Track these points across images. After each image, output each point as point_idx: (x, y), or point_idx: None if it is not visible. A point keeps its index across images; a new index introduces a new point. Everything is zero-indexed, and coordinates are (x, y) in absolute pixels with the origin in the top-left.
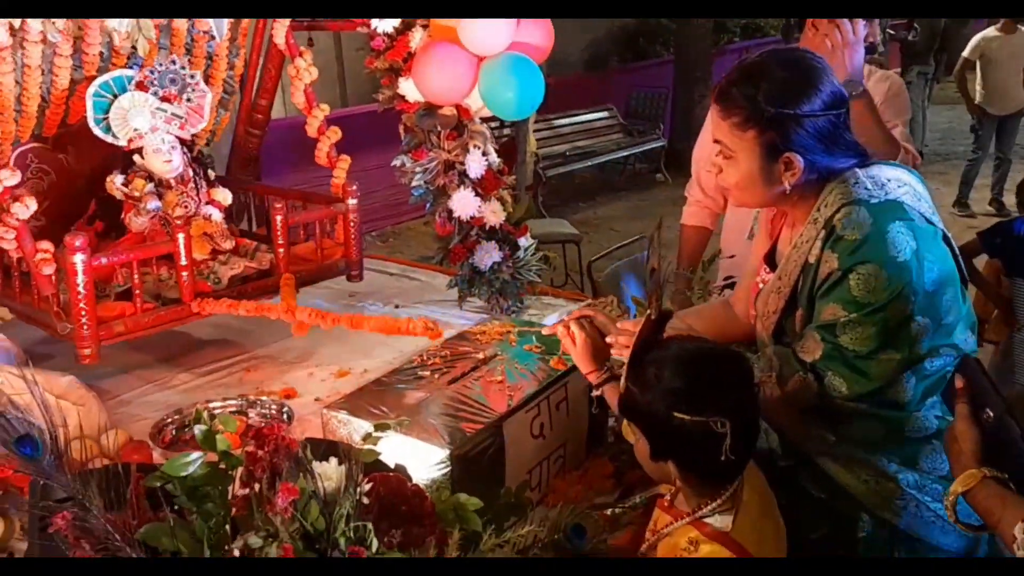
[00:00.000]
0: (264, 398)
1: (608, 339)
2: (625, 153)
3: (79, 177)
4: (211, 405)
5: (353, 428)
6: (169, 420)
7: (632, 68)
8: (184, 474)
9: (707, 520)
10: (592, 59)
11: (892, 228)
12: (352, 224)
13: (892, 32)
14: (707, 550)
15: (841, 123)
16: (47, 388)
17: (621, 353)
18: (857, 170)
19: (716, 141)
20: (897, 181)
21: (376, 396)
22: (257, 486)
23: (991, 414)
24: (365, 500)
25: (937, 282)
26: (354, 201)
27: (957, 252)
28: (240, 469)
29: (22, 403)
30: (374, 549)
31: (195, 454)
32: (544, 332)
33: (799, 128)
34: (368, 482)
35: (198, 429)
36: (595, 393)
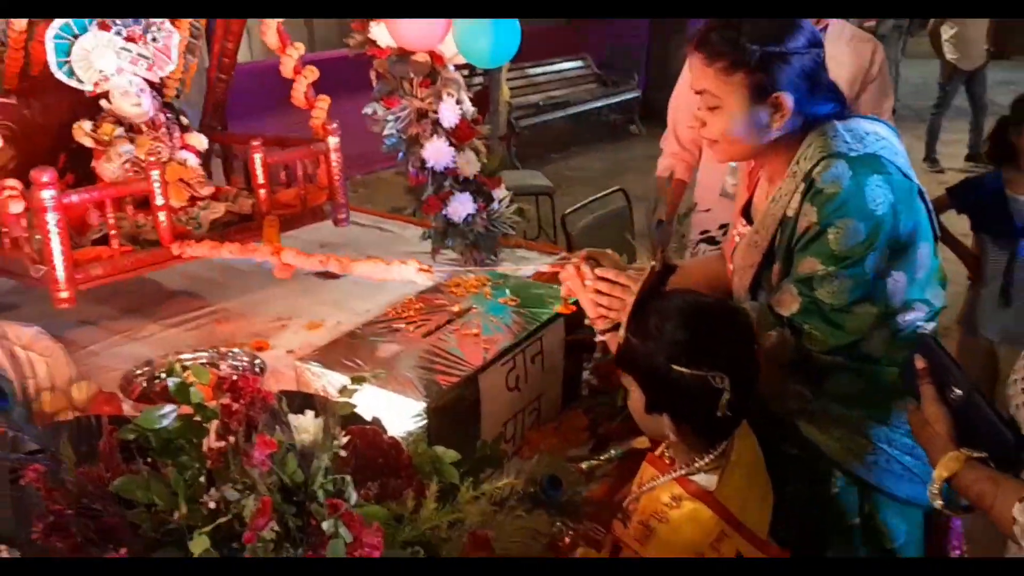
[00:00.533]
0: (236, 350)
1: (589, 284)
2: (600, 104)
3: (45, 131)
4: (182, 357)
5: (327, 380)
6: (139, 372)
7: (607, 19)
8: (159, 427)
9: (693, 478)
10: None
11: (870, 182)
12: (335, 164)
13: None
14: (689, 507)
15: (821, 63)
16: (12, 339)
17: (604, 303)
18: (836, 122)
19: (699, 92)
20: (875, 135)
21: (350, 348)
22: (232, 439)
23: (958, 392)
24: (343, 453)
25: (912, 236)
26: (336, 139)
27: (931, 208)
28: (215, 422)
29: None
30: (352, 501)
31: (169, 406)
32: (546, 269)
33: (785, 66)
34: (345, 435)
35: (171, 381)
36: (599, 339)
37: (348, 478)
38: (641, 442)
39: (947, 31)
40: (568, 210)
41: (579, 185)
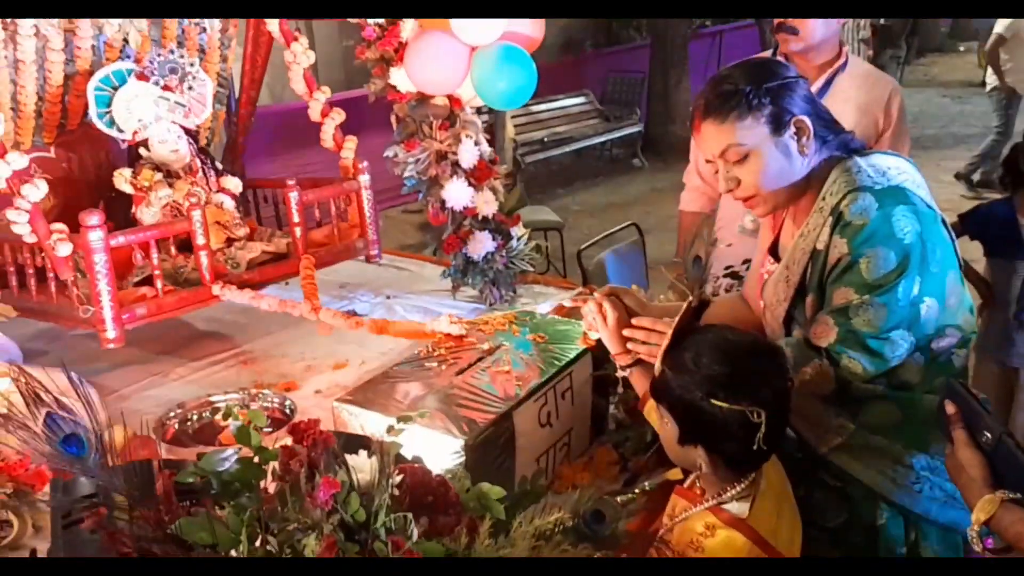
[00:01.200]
0: (265, 391)
1: (625, 332)
2: (602, 139)
3: (84, 182)
4: (212, 399)
5: (364, 420)
6: (172, 414)
7: (607, 52)
8: (220, 469)
9: (725, 507)
10: (566, 44)
11: (897, 212)
12: (367, 201)
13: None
14: (723, 535)
15: (813, 97)
16: (47, 384)
17: (642, 350)
18: (858, 159)
19: (722, 154)
20: (897, 168)
21: (385, 388)
22: (292, 479)
23: (989, 436)
24: (396, 492)
25: (940, 263)
26: (367, 178)
27: (953, 236)
28: (272, 463)
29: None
30: (414, 539)
31: (230, 449)
32: (569, 304)
33: (790, 92)
34: (398, 474)
35: (232, 424)
36: (621, 374)
37: (410, 516)
38: (674, 474)
39: (1005, 54)
40: (584, 245)
41: (585, 219)
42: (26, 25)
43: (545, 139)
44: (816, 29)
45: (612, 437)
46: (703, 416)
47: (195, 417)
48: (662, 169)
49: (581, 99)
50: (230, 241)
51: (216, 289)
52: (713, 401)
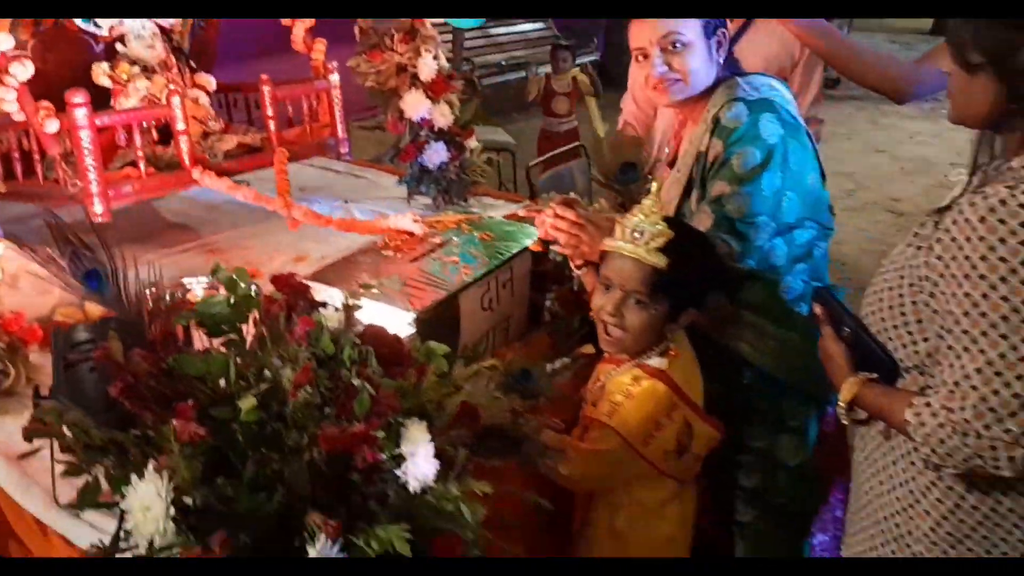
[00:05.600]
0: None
1: (547, 220)
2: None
3: (61, 80)
4: (185, 281)
5: (325, 296)
6: (147, 291)
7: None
8: (213, 312)
9: (648, 362)
10: None
11: (763, 118)
12: (336, 100)
13: None
14: (647, 384)
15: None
16: (33, 258)
17: (562, 239)
18: (738, 78)
19: (662, 38)
20: (768, 86)
21: (347, 270)
22: (272, 321)
23: (847, 330)
24: (358, 340)
25: (800, 164)
26: (336, 77)
27: (815, 145)
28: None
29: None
30: (374, 366)
31: (221, 295)
32: (522, 214)
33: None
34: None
35: (223, 275)
36: (576, 273)
37: (371, 349)
38: (587, 349)
39: None
40: (532, 162)
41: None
42: None
43: (503, 62)
44: None
45: (546, 327)
46: (701, 283)
47: (168, 296)
48: (616, 98)
49: (540, 24)
50: (206, 135)
51: (196, 173)
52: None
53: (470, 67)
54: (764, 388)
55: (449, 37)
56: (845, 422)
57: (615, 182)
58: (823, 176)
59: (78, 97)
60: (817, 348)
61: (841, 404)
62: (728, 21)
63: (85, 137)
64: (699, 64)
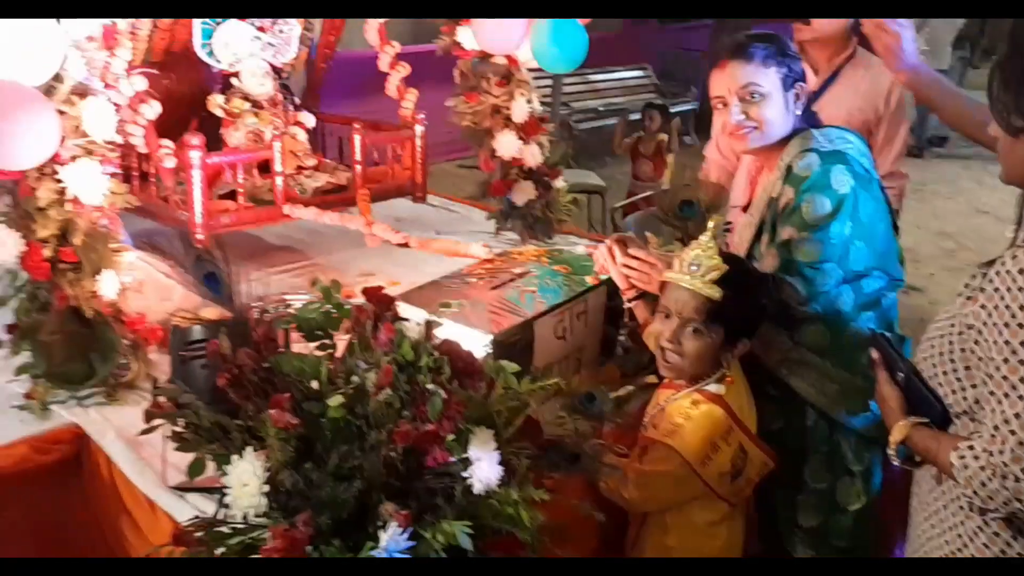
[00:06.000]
0: None
1: (622, 260)
2: None
3: (181, 98)
4: (286, 298)
5: (413, 315)
6: (252, 305)
7: (670, 28)
8: (310, 318)
9: (706, 388)
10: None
11: (835, 169)
12: (419, 149)
13: None
14: (705, 408)
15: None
16: (157, 266)
17: (635, 276)
18: (813, 130)
19: (741, 89)
20: (843, 139)
21: (431, 293)
22: (360, 329)
23: (901, 375)
24: (435, 353)
25: (871, 215)
26: (422, 128)
27: (887, 198)
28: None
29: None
30: (447, 373)
31: (316, 303)
32: (571, 251)
33: (797, 64)
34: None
35: (320, 284)
36: (627, 305)
37: (446, 357)
38: (651, 378)
39: None
40: (616, 205)
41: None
42: None
43: (600, 108)
44: (824, 22)
45: (617, 360)
46: (754, 315)
47: (272, 309)
48: None
49: (639, 72)
50: (300, 169)
51: (286, 209)
52: (765, 301)
53: (568, 111)
54: (826, 430)
55: (548, 82)
56: (895, 464)
57: (675, 218)
58: (896, 229)
59: (195, 139)
60: None
61: (891, 447)
62: (811, 75)
63: (196, 176)
64: (775, 114)
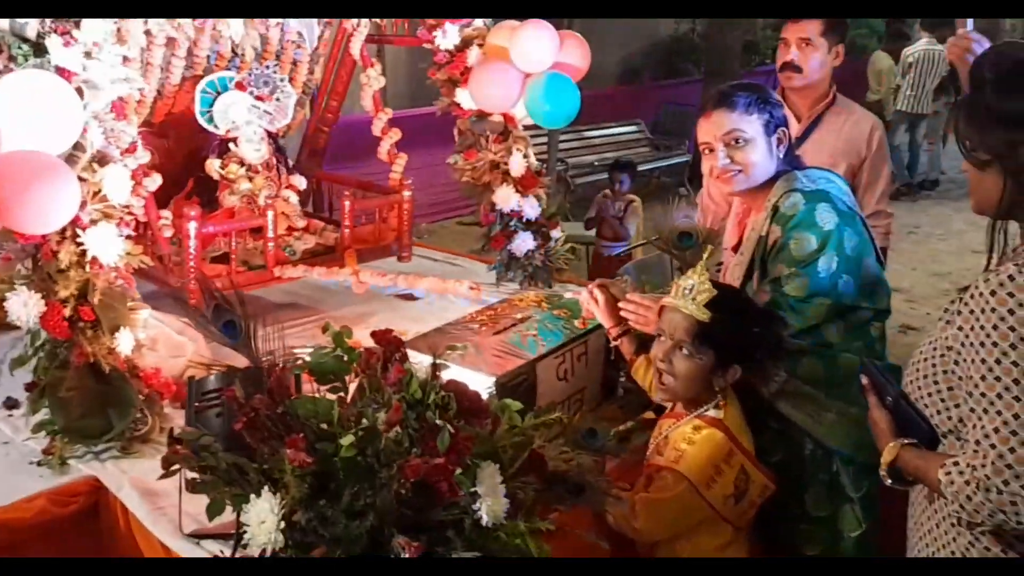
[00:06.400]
0: None
1: (620, 304)
2: (651, 166)
3: (178, 159)
4: (295, 350)
5: (419, 361)
6: (263, 359)
7: (663, 84)
8: (321, 361)
9: (706, 413)
10: (625, 73)
11: (819, 207)
12: (406, 212)
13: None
14: (707, 432)
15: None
16: (169, 324)
17: (632, 318)
18: (797, 171)
19: (725, 135)
20: (825, 179)
21: (436, 340)
22: (371, 371)
23: (890, 399)
24: (442, 392)
25: (856, 249)
26: (408, 194)
27: (870, 233)
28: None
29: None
30: (453, 410)
31: (327, 349)
32: (569, 296)
33: (779, 110)
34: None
35: (332, 330)
36: (613, 343)
37: (452, 395)
38: (648, 415)
39: None
40: (616, 252)
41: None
42: (160, 35)
43: (595, 163)
44: (814, 68)
45: (619, 401)
46: (744, 341)
47: (282, 363)
48: None
49: (632, 127)
50: (290, 230)
51: (276, 271)
52: (755, 329)
53: (564, 167)
54: (825, 459)
55: (544, 139)
56: (888, 484)
57: (674, 247)
58: (881, 264)
59: (192, 211)
60: None
61: (883, 467)
62: (794, 122)
63: (191, 244)
64: (758, 158)
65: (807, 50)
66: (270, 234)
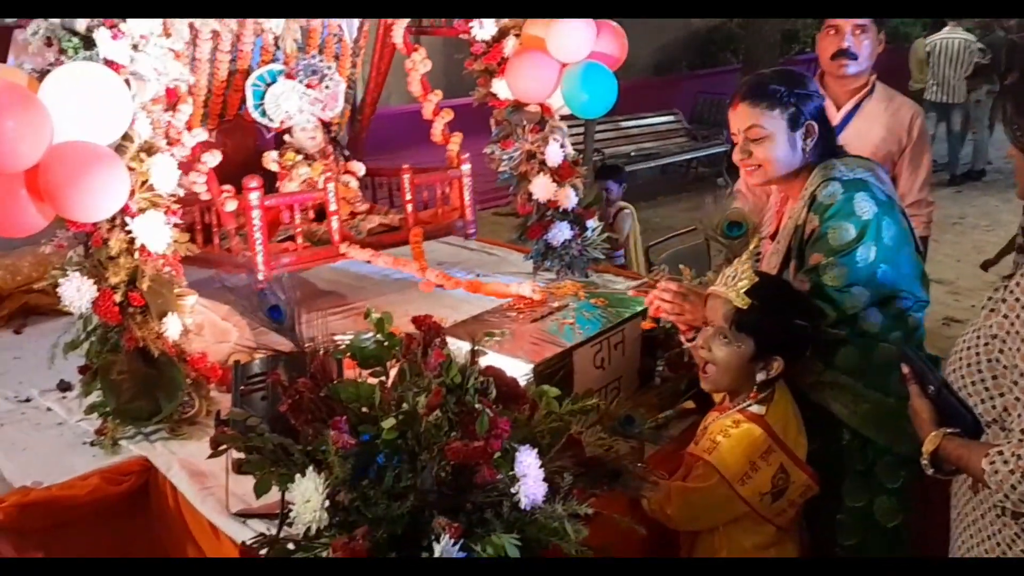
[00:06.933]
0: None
1: (654, 293)
2: (688, 156)
3: (237, 163)
4: (336, 337)
5: (458, 348)
6: (305, 346)
7: (700, 74)
8: (364, 347)
9: (748, 409)
10: (662, 63)
11: (857, 196)
12: (467, 187)
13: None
14: (745, 427)
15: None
16: (215, 311)
17: (667, 307)
18: (835, 160)
19: (747, 130)
20: (864, 167)
21: (475, 327)
22: (411, 356)
23: (932, 388)
24: (481, 378)
25: (894, 239)
26: (468, 167)
27: (909, 223)
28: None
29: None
30: (492, 395)
31: (369, 334)
32: (631, 293)
33: (811, 103)
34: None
35: (373, 316)
36: (686, 346)
37: (491, 379)
38: (688, 404)
39: None
40: (652, 242)
41: (665, 231)
42: (205, 30)
43: (632, 153)
44: (867, 55)
45: (655, 389)
46: (787, 332)
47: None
48: None
49: (670, 118)
50: (352, 215)
51: (343, 247)
52: (796, 321)
53: (601, 157)
54: (861, 449)
55: (581, 129)
56: (929, 473)
57: (722, 236)
58: (922, 254)
59: (253, 182)
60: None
61: (924, 457)
62: (833, 109)
63: (256, 216)
64: (777, 154)
65: (861, 37)
66: (332, 207)
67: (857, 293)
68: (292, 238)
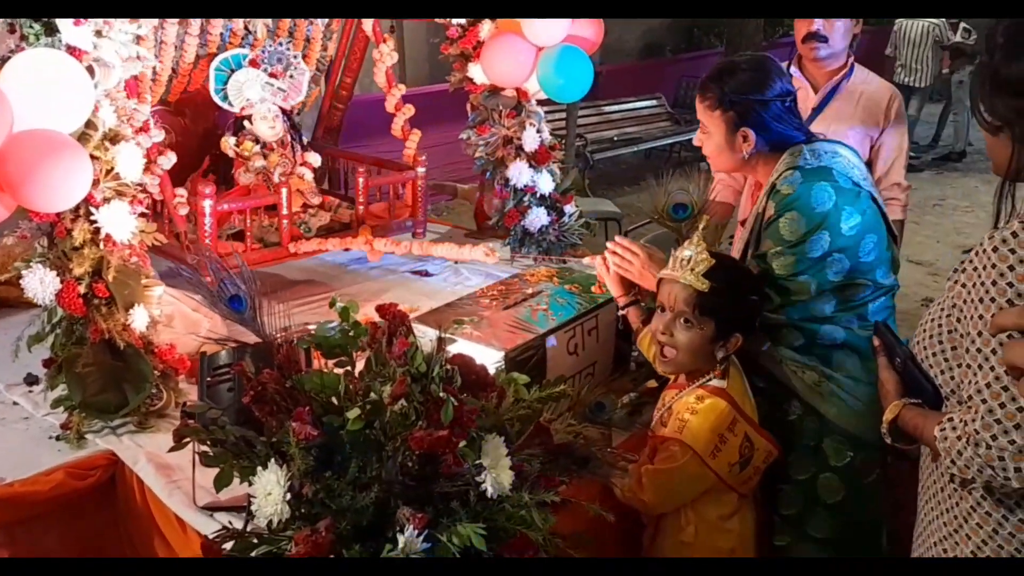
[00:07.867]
0: None
1: (607, 247)
2: (671, 141)
3: (194, 136)
4: (308, 325)
5: (428, 336)
6: (276, 335)
7: (683, 58)
8: (328, 336)
9: (709, 384)
10: (646, 48)
11: (817, 187)
12: (420, 188)
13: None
14: (710, 401)
15: (787, 107)
16: (185, 302)
17: (616, 261)
18: (804, 146)
19: (699, 120)
20: (832, 153)
21: (446, 315)
22: (376, 345)
23: (899, 360)
24: (448, 366)
25: (857, 227)
26: (423, 170)
27: (884, 209)
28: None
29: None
30: (458, 383)
31: (335, 323)
32: (584, 261)
33: (752, 111)
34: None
35: (338, 305)
36: (621, 312)
37: (456, 368)
38: (651, 383)
39: None
40: (631, 227)
41: (646, 216)
42: None
43: (615, 138)
44: (839, 37)
45: (630, 375)
46: (743, 310)
47: (295, 339)
48: None
49: (652, 102)
50: (305, 207)
51: (291, 247)
52: (752, 298)
53: (583, 142)
54: (810, 425)
55: (563, 114)
56: (888, 441)
57: (668, 219)
58: (895, 238)
59: (207, 189)
60: (861, 391)
61: (884, 425)
62: (810, 92)
63: (207, 222)
64: (711, 149)
65: (832, 19)
66: (284, 211)
67: (804, 281)
68: (241, 234)
